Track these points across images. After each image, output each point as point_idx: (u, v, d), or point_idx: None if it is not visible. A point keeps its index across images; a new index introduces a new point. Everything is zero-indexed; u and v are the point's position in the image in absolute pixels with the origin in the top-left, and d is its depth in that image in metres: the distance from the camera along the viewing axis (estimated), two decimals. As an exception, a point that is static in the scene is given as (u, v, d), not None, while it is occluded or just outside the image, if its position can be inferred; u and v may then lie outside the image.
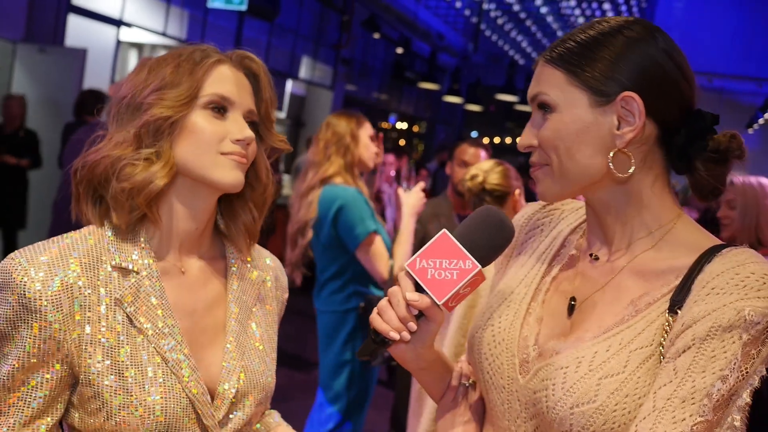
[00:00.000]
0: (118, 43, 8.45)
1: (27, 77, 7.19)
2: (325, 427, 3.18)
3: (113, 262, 1.14)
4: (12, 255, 1.11)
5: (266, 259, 1.39)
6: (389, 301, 1.09)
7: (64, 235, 1.17)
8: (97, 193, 1.17)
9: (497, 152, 4.28)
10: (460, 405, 1.23)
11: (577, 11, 14.05)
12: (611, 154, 1.07)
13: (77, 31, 7.66)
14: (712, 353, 0.96)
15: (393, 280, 3.01)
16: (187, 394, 1.14)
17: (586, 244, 1.18)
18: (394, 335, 1.08)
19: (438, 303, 1.07)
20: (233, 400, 1.20)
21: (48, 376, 1.10)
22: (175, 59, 1.19)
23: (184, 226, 1.21)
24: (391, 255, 3.09)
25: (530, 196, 3.56)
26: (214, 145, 1.17)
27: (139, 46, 9.56)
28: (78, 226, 1.20)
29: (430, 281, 1.07)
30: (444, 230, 1.10)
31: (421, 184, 3.21)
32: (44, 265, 1.10)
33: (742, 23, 10.82)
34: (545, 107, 1.10)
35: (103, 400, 1.10)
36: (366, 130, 3.19)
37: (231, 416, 1.20)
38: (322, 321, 3.25)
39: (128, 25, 8.41)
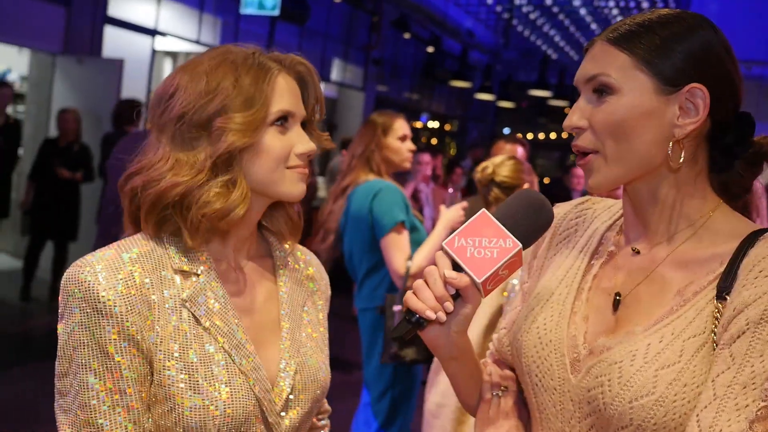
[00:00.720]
0: (154, 52, 8.61)
1: (67, 89, 7.36)
2: (372, 428, 3.20)
3: (174, 266, 1.16)
4: (76, 263, 1.12)
5: (308, 256, 1.41)
6: (425, 281, 1.07)
7: (120, 241, 1.18)
8: (163, 213, 1.16)
9: (531, 148, 4.26)
10: (497, 416, 1.22)
11: (611, 3, 13.85)
12: (670, 144, 1.06)
13: (114, 41, 7.82)
14: (767, 337, 0.95)
15: (408, 280, 2.99)
16: (254, 393, 1.16)
17: (624, 239, 1.17)
18: (431, 314, 1.05)
19: (477, 281, 1.05)
20: (290, 396, 1.21)
21: (135, 375, 1.11)
22: (232, 69, 1.17)
23: (238, 230, 1.23)
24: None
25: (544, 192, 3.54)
26: (282, 162, 1.19)
27: (173, 55, 9.73)
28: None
29: (469, 259, 1.05)
30: (483, 210, 1.08)
31: (464, 204, 3.18)
32: (110, 270, 1.11)
33: (781, 9, 10.56)
34: (604, 89, 1.07)
35: (175, 402, 1.11)
36: (395, 133, 3.19)
37: (289, 412, 1.21)
38: (363, 320, 3.25)
39: (163, 34, 8.56)
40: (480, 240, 1.06)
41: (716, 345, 0.99)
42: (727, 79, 1.08)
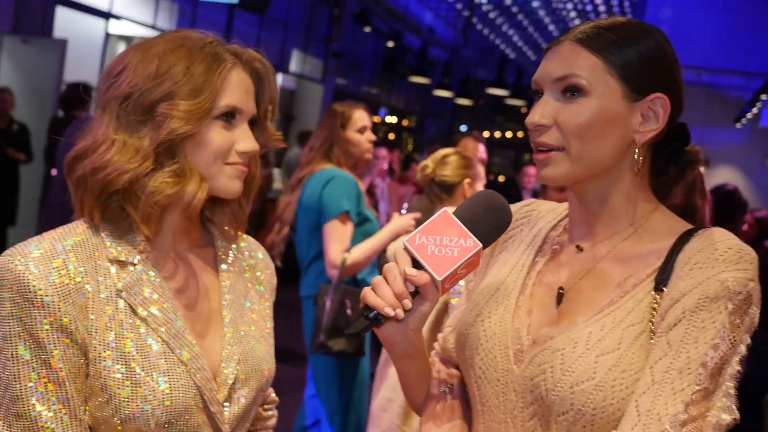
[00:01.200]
0: (107, 35, 8.40)
1: (12, 69, 7.14)
2: (315, 421, 3.18)
3: (110, 255, 1.14)
4: (7, 252, 1.09)
5: (252, 246, 1.40)
6: (384, 277, 1.08)
7: (55, 230, 1.15)
8: (109, 200, 1.14)
9: (487, 146, 4.31)
10: (444, 411, 1.24)
11: (569, 5, 14.07)
12: (636, 150, 1.11)
13: (65, 23, 7.61)
14: (702, 324, 1.01)
15: (342, 273, 2.97)
16: (195, 382, 1.14)
17: (568, 237, 1.21)
18: (389, 311, 1.06)
19: (437, 279, 1.05)
20: (233, 386, 1.20)
21: (70, 366, 1.08)
22: (186, 55, 1.14)
23: (177, 220, 1.21)
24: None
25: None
26: (221, 157, 1.17)
27: (128, 39, 9.50)
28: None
29: (430, 257, 1.05)
30: (445, 209, 1.09)
31: (417, 214, 3.17)
32: (42, 259, 1.08)
33: (731, 17, 10.87)
34: (575, 90, 1.09)
35: (111, 393, 1.09)
36: (354, 125, 3.17)
37: (232, 402, 1.20)
38: (306, 308, 3.21)
39: (117, 17, 8.36)
40: (441, 238, 1.06)
41: (654, 333, 1.04)
42: (678, 87, 1.14)
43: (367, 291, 1.09)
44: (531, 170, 7.55)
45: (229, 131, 1.17)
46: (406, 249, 1.07)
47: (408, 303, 1.07)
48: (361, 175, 3.32)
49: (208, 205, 1.28)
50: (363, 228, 3.14)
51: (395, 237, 3.04)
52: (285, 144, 1.33)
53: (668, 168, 1.18)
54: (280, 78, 12.04)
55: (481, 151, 3.83)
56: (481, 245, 1.06)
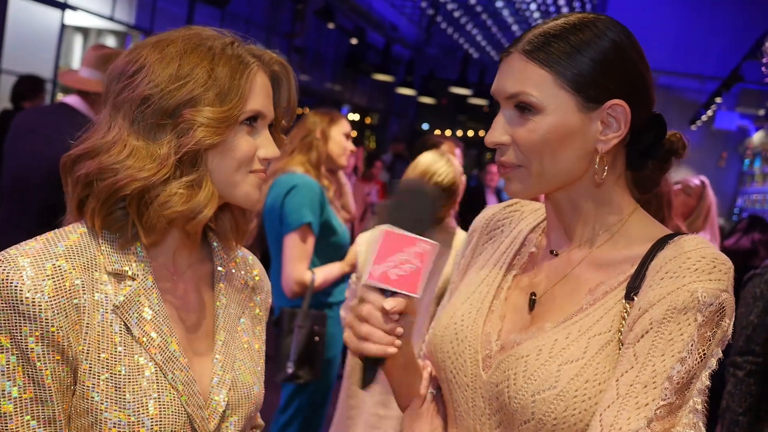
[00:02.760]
0: (63, 26, 8.17)
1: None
2: (278, 426, 3.13)
3: (107, 267, 1.06)
4: None
5: (250, 262, 1.33)
6: (365, 320, 1.05)
7: (49, 234, 1.06)
8: (115, 206, 1.06)
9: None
10: (427, 412, 1.22)
11: (533, 6, 14.19)
12: (597, 159, 1.07)
13: (20, 14, 7.38)
14: (669, 336, 0.97)
15: (309, 298, 2.91)
16: (186, 409, 1.08)
17: (546, 241, 1.19)
18: (392, 350, 1.05)
19: (415, 296, 1.04)
20: (223, 414, 1.14)
21: (58, 384, 1.01)
22: (208, 56, 1.07)
23: (180, 233, 1.14)
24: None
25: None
26: (245, 164, 1.11)
27: (84, 31, 9.27)
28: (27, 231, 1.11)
29: (397, 281, 1.03)
30: (383, 227, 1.06)
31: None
32: (36, 267, 0.99)
33: (686, 20, 11.09)
34: (527, 107, 1.06)
35: (97, 416, 1.02)
36: (340, 128, 3.12)
37: (222, 430, 1.15)
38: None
39: (73, 8, 8.14)
40: (396, 256, 1.04)
41: (622, 344, 1.01)
42: (642, 83, 1.09)
43: (362, 344, 1.05)
44: (494, 168, 7.60)
45: (251, 137, 1.12)
46: (371, 287, 1.04)
47: (400, 330, 1.06)
48: (331, 180, 3.22)
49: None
50: (331, 239, 3.07)
51: (353, 270, 3.01)
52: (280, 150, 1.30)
53: (646, 163, 1.14)
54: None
55: (457, 154, 3.84)
56: (436, 243, 1.04)
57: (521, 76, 1.06)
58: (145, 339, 1.06)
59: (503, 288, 1.18)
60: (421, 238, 1.04)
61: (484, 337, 1.13)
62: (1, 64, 6.81)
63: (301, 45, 12.94)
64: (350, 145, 3.20)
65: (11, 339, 0.98)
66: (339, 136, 3.13)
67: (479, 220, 1.31)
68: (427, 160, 2.73)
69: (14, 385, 0.99)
